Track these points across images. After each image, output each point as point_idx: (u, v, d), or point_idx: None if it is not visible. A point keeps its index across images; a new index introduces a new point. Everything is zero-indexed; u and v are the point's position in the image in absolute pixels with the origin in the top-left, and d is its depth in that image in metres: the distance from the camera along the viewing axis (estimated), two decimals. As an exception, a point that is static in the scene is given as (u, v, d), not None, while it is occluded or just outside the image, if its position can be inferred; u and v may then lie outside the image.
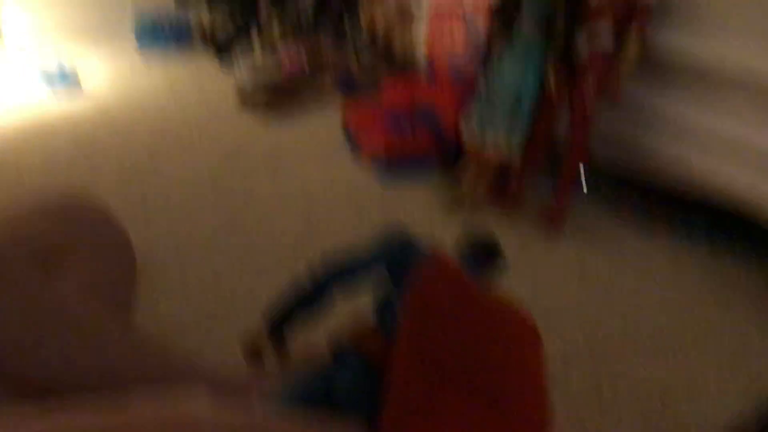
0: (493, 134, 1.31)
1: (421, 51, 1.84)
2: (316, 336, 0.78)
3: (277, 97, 1.85)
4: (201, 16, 2.41)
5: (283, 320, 0.63)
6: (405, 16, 1.92)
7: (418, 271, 0.61)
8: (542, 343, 0.65)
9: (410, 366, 0.57)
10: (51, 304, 0.62)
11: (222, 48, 2.24)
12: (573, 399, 0.85)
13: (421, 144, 1.52)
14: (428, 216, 1.33)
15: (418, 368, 0.57)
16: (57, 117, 1.74)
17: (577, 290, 1.11)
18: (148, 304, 0.98)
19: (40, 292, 0.62)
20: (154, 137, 1.65)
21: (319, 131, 1.74)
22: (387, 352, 0.59)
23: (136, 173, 1.44)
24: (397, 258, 0.63)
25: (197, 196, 1.35)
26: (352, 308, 0.78)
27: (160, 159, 1.52)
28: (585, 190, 1.43)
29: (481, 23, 1.49)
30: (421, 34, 1.84)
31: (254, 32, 2.28)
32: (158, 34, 2.29)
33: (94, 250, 0.74)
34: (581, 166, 1.33)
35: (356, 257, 0.64)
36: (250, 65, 2.02)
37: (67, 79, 1.90)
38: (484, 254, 0.76)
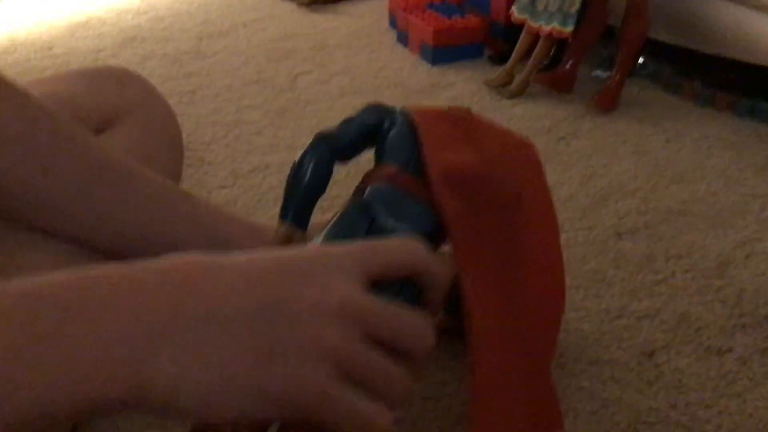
0: (545, 12, 1.27)
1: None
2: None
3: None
4: None
5: (298, 205, 0.58)
6: None
7: (414, 114, 0.58)
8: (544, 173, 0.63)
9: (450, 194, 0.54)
10: (98, 157, 0.61)
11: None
12: (624, 271, 0.84)
13: (471, 28, 1.47)
14: (478, 100, 1.31)
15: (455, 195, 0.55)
16: (105, 9, 1.77)
17: (632, 165, 1.08)
18: (194, 189, 0.99)
19: (86, 148, 0.60)
20: (200, 27, 1.65)
21: (366, 19, 1.70)
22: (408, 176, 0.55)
23: (181, 63, 1.45)
24: (387, 113, 0.59)
25: (243, 86, 1.35)
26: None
27: (205, 49, 1.53)
28: (642, 68, 1.37)
29: None
30: None
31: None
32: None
33: (141, 119, 0.72)
34: (639, 41, 1.27)
35: (348, 122, 0.59)
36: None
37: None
38: None
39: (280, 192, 0.78)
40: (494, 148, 0.60)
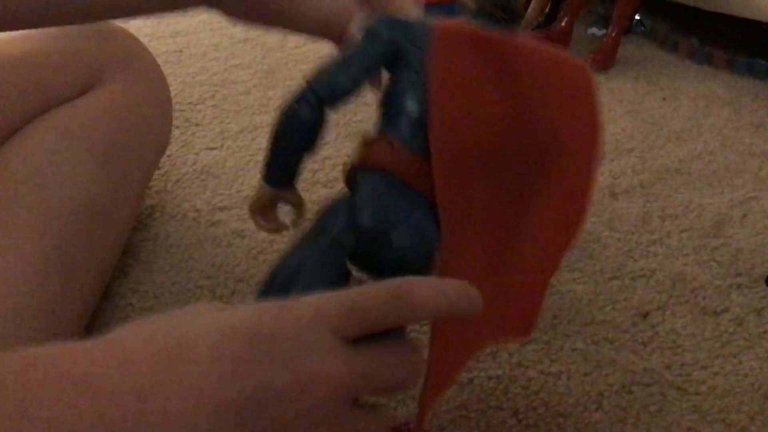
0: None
1: None
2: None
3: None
4: None
5: (279, 166, 0.48)
6: None
7: (432, 45, 0.45)
8: (596, 95, 0.53)
9: (454, 162, 0.44)
10: None
11: None
12: (619, 231, 0.83)
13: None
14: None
15: (463, 162, 0.44)
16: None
17: (628, 124, 1.06)
18: (181, 150, 0.98)
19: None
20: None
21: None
22: (412, 160, 0.44)
23: (167, 22, 1.40)
24: (398, 44, 0.45)
25: (231, 44, 1.32)
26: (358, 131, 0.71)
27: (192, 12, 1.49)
28: (639, 26, 1.35)
29: None
30: None
31: None
32: None
33: (127, 75, 0.69)
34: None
35: (346, 63, 0.46)
36: None
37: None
38: (502, 13, 0.59)
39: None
40: (534, 84, 0.49)
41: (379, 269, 0.42)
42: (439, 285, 0.37)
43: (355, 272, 0.44)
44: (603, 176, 0.94)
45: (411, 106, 0.44)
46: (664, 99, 1.15)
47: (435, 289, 0.36)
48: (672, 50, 1.31)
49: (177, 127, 1.02)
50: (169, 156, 0.94)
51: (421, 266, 0.42)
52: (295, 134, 0.45)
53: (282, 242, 0.81)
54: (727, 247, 0.81)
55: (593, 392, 0.63)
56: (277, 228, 0.56)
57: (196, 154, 0.98)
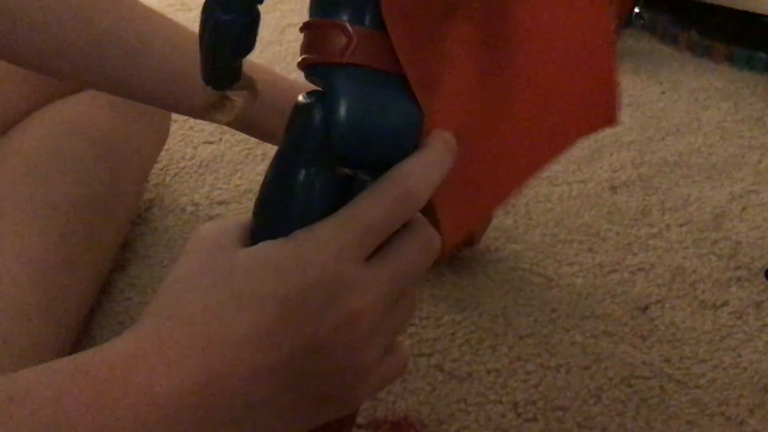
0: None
1: None
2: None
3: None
4: None
5: (219, 70, 0.40)
6: None
7: None
8: None
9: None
10: None
11: None
12: (619, 225, 0.83)
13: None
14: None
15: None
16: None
17: (627, 117, 1.06)
18: (179, 145, 0.99)
19: None
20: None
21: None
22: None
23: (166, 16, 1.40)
24: None
25: None
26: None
27: (189, 1, 1.47)
28: (638, 18, 1.34)
29: None
30: None
31: None
32: None
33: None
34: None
35: None
36: None
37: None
38: None
39: (267, 148, 0.75)
40: None
41: (368, 163, 0.38)
42: (427, 160, 0.37)
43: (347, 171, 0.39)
44: (602, 170, 0.93)
45: None
46: (663, 92, 1.14)
47: (428, 167, 0.37)
48: (671, 43, 1.30)
49: (175, 121, 1.01)
50: (167, 150, 0.94)
51: (412, 145, 0.39)
52: (229, 42, 0.38)
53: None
54: (727, 241, 0.81)
55: (592, 386, 0.63)
56: (236, 115, 0.52)
57: (195, 148, 0.98)
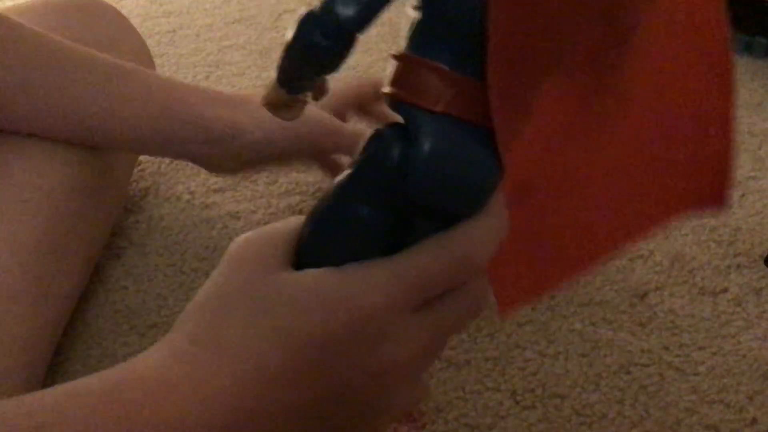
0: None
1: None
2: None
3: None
4: None
5: (298, 80, 0.40)
6: None
7: None
8: None
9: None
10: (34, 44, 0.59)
11: None
12: None
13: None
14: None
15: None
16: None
17: None
18: None
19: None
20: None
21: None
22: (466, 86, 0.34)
23: (160, 2, 1.37)
24: None
25: (225, 25, 1.31)
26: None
27: None
28: None
29: None
30: None
31: None
32: None
33: (118, 54, 0.67)
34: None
35: None
36: None
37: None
38: None
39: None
40: None
41: (436, 212, 0.36)
42: (493, 226, 0.35)
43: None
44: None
45: (460, 15, 0.33)
46: (662, 78, 1.14)
47: (492, 234, 0.35)
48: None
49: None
50: (162, 137, 0.93)
51: (484, 203, 0.37)
52: (319, 65, 0.36)
53: (277, 224, 0.80)
54: (726, 227, 0.81)
55: (591, 373, 0.63)
56: (294, 115, 0.53)
57: (190, 135, 0.97)
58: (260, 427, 0.33)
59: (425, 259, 0.34)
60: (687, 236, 0.79)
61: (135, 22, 0.79)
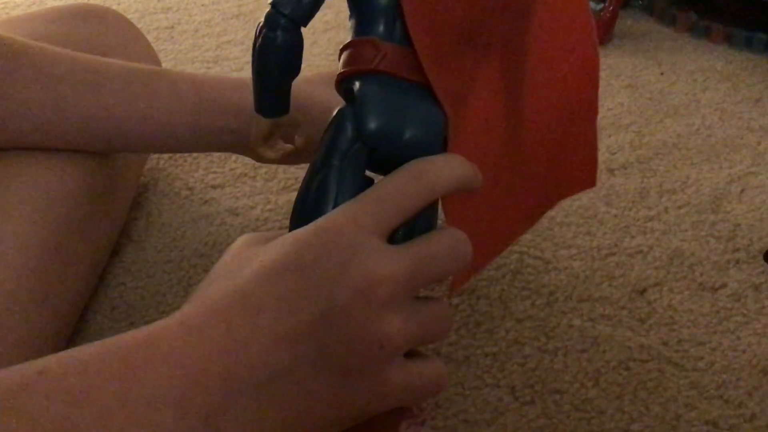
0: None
1: None
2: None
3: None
4: None
5: (269, 96, 0.48)
6: None
7: None
8: None
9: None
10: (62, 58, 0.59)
11: None
12: (616, 207, 0.83)
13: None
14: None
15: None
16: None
17: (625, 99, 1.05)
18: None
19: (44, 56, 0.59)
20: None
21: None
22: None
23: None
24: None
25: (223, 20, 1.31)
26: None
27: None
28: (637, 0, 1.34)
29: None
30: None
31: None
32: None
33: (126, 58, 0.68)
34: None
35: None
36: None
37: None
38: None
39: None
40: None
41: (396, 166, 0.41)
42: (447, 159, 0.40)
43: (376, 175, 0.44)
44: (600, 152, 0.92)
45: (376, 7, 0.42)
46: (662, 73, 1.14)
47: (446, 164, 0.39)
48: (670, 24, 1.29)
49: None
50: (161, 134, 0.93)
51: (436, 148, 0.42)
52: (275, 61, 0.44)
53: (276, 220, 0.80)
54: (725, 223, 0.81)
55: (590, 369, 0.63)
56: (285, 154, 0.58)
57: (189, 131, 0.97)
58: (254, 358, 0.34)
59: (383, 182, 0.39)
60: (686, 232, 0.79)
61: (133, 18, 0.79)
